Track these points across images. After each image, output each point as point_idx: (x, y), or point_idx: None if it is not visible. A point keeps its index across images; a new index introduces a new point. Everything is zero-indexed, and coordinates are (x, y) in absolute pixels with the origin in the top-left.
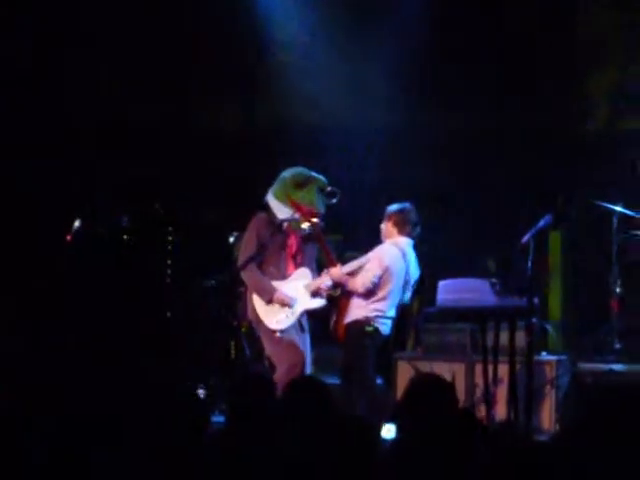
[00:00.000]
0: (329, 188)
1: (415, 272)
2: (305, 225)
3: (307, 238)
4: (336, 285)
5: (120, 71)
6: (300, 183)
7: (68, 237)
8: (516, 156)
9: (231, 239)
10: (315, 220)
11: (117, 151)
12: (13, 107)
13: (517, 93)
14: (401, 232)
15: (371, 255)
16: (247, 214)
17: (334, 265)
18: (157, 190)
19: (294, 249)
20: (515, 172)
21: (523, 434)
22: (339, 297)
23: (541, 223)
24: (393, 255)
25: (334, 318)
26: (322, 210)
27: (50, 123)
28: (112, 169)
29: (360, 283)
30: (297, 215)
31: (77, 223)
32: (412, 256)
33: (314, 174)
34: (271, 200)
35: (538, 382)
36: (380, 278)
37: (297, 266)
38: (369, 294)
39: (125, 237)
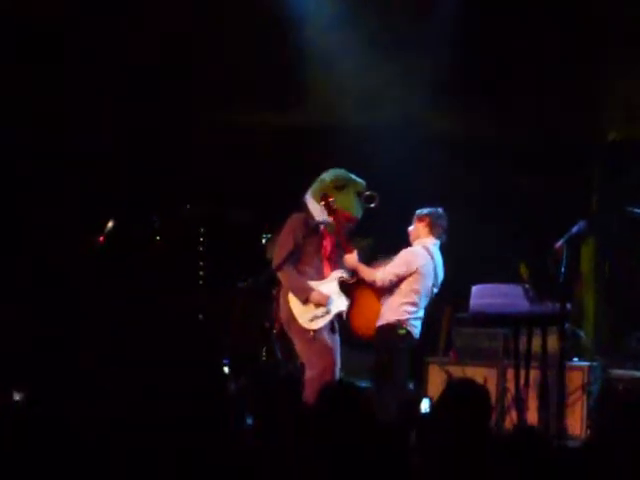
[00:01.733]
0: (367, 192)
1: (441, 274)
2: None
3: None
4: (351, 271)
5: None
6: (339, 186)
7: (101, 238)
8: (547, 161)
9: (263, 240)
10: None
11: (149, 150)
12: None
13: (553, 97)
14: (431, 234)
15: (400, 255)
16: (279, 215)
17: (350, 251)
18: (189, 191)
19: (329, 250)
20: (548, 176)
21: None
22: (354, 288)
23: (575, 229)
24: (423, 257)
25: (348, 310)
26: (359, 214)
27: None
28: (144, 170)
29: (379, 277)
30: (331, 219)
31: (110, 224)
32: (439, 257)
33: (354, 177)
34: (309, 201)
35: (569, 388)
36: (402, 280)
37: (333, 267)
38: (387, 289)
39: (157, 238)
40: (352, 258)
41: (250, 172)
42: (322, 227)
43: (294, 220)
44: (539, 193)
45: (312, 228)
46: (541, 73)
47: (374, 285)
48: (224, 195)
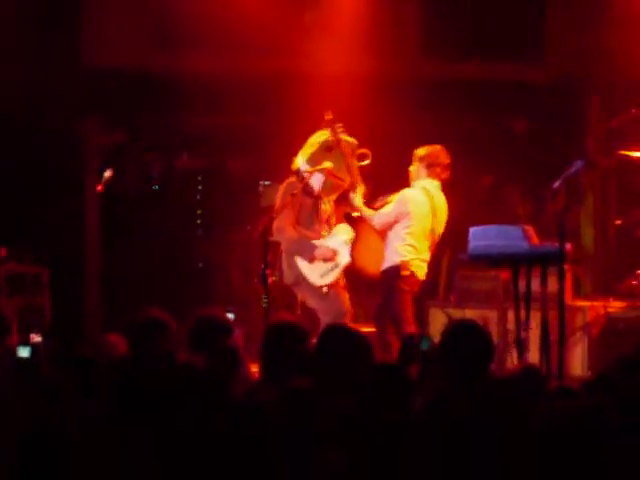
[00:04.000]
0: (360, 150)
1: (443, 214)
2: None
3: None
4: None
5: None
6: (329, 147)
7: (99, 187)
8: (545, 103)
9: (260, 188)
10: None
11: (147, 101)
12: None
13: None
14: (430, 174)
15: (395, 197)
16: (276, 164)
17: (354, 189)
18: (186, 140)
19: (327, 213)
20: (544, 118)
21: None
22: (360, 226)
23: (572, 169)
24: (417, 200)
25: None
26: (353, 174)
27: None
28: (142, 119)
29: (375, 220)
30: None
31: (107, 173)
32: (440, 197)
33: (343, 137)
34: (301, 164)
35: (570, 328)
36: (397, 221)
37: (332, 229)
38: (388, 238)
39: (155, 187)
40: (355, 198)
41: (249, 122)
42: (318, 190)
43: (287, 185)
44: (535, 135)
45: (305, 190)
46: None
47: (373, 227)
48: (221, 144)
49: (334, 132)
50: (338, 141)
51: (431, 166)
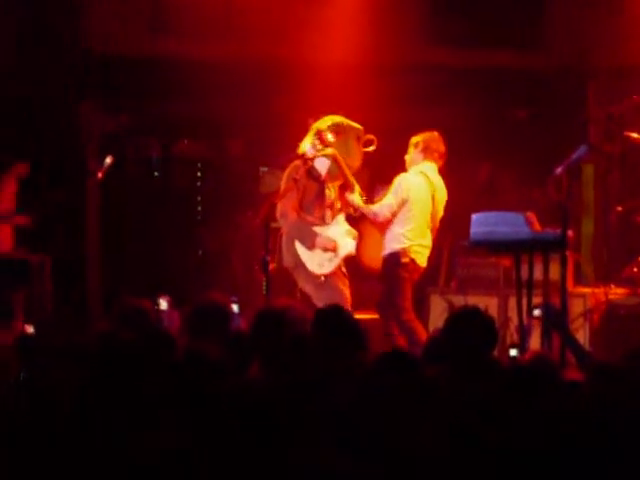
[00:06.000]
0: (366, 136)
1: (442, 197)
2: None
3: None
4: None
5: None
6: (336, 132)
7: (99, 174)
8: (545, 89)
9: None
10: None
11: (146, 86)
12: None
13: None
14: (427, 157)
15: (392, 184)
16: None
17: (351, 189)
18: (185, 126)
19: (332, 198)
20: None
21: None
22: (360, 223)
23: (575, 155)
24: (414, 184)
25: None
26: (358, 159)
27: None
28: (141, 105)
29: (377, 212)
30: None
31: (108, 160)
32: (438, 181)
33: (350, 122)
34: (307, 149)
35: (571, 315)
36: (400, 208)
37: (335, 214)
38: (390, 223)
39: (155, 174)
40: (354, 198)
41: (248, 108)
42: (323, 175)
43: (290, 166)
44: (536, 122)
45: (311, 174)
46: None
47: (376, 220)
48: (221, 129)
49: (322, 140)
50: (328, 145)
51: (427, 149)
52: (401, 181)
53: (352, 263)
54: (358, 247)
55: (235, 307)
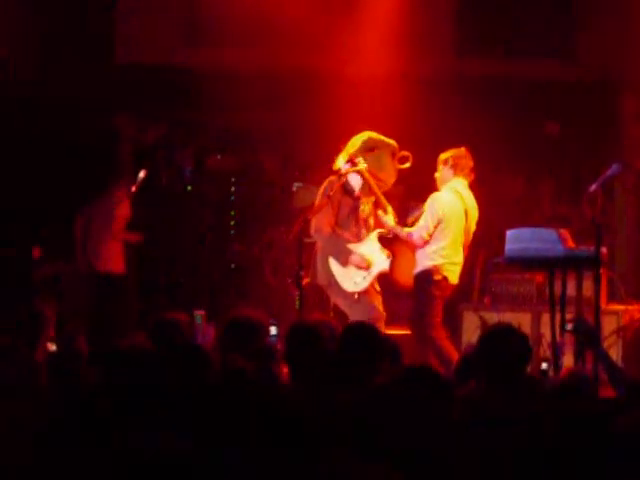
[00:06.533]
0: (401, 153)
1: (475, 212)
2: (351, 171)
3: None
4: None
5: None
6: (370, 147)
7: (133, 188)
8: (579, 102)
9: (294, 188)
10: (359, 166)
11: (180, 99)
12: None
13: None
14: (457, 173)
15: (426, 204)
16: (309, 164)
17: (384, 210)
18: (221, 141)
19: (366, 213)
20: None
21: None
22: (393, 242)
23: (609, 172)
24: (447, 202)
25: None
26: (392, 176)
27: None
28: (175, 117)
29: (415, 237)
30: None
31: (142, 174)
32: (470, 197)
33: (385, 139)
34: (342, 164)
35: (604, 332)
36: (435, 228)
37: (369, 230)
38: (427, 244)
39: (188, 188)
40: (388, 220)
41: (282, 121)
42: (358, 192)
43: (326, 182)
44: (569, 136)
45: (346, 190)
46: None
47: (415, 245)
48: (255, 144)
49: (353, 164)
50: (360, 171)
51: (456, 166)
52: (434, 200)
53: (385, 280)
54: (391, 265)
55: (273, 329)
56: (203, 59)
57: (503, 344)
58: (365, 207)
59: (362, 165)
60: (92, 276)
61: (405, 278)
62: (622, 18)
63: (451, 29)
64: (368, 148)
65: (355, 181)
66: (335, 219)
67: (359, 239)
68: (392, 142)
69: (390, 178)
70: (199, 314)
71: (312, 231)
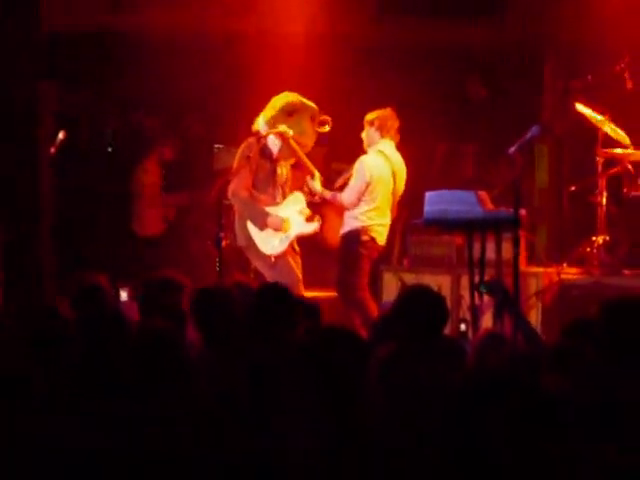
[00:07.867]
0: (321, 117)
1: (402, 174)
2: (271, 134)
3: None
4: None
5: None
6: (290, 111)
7: (52, 149)
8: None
9: (215, 150)
10: (283, 131)
11: (103, 64)
12: None
13: None
14: (384, 136)
15: (354, 169)
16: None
17: (312, 175)
18: (140, 101)
19: (284, 177)
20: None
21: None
22: (322, 205)
23: (528, 134)
24: (375, 165)
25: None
26: (311, 139)
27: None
28: (94, 80)
29: (346, 201)
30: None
31: (60, 135)
32: (397, 158)
33: (305, 102)
34: (261, 127)
35: (524, 294)
36: (365, 190)
37: (286, 193)
38: (356, 206)
39: (109, 149)
40: (315, 184)
41: (203, 80)
42: (275, 154)
43: (247, 146)
44: (492, 98)
45: (264, 152)
46: None
47: (344, 208)
48: (177, 104)
49: (258, 140)
50: (288, 144)
51: (383, 127)
52: (362, 164)
53: (313, 243)
54: (322, 227)
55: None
56: (128, 24)
57: (419, 305)
58: (283, 170)
59: (288, 132)
60: None
61: (334, 239)
62: None
63: None
64: (287, 113)
65: (273, 144)
66: (252, 182)
67: (276, 202)
68: (312, 105)
69: (310, 142)
70: (124, 291)
71: (229, 194)
